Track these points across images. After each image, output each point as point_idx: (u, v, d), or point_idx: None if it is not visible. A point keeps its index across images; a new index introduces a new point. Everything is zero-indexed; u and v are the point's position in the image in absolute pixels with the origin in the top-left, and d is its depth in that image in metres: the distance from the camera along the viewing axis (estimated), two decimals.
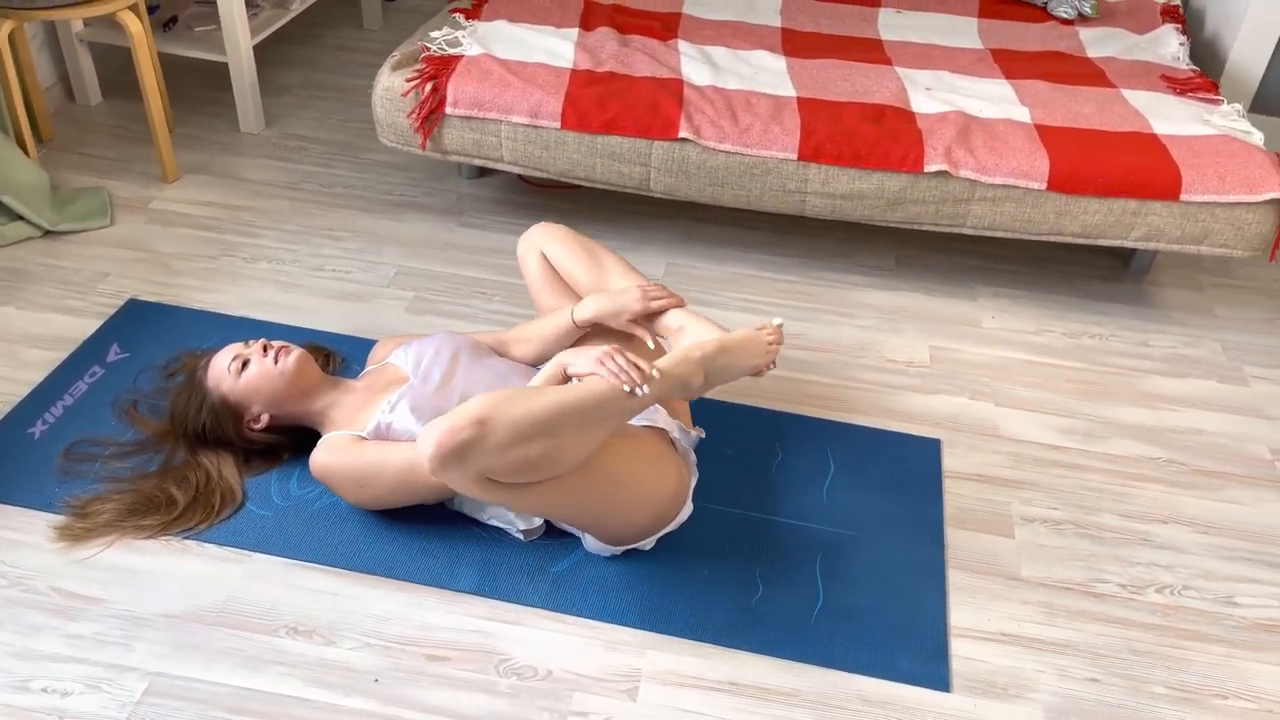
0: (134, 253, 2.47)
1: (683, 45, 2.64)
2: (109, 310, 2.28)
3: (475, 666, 1.62)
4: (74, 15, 2.45)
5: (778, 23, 2.86)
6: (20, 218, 2.47)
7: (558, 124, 2.35)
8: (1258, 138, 2.38)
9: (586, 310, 1.90)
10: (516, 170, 2.46)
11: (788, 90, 2.45)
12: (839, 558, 1.84)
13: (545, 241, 1.99)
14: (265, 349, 1.86)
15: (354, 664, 1.61)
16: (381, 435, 1.76)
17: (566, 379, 1.63)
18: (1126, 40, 2.89)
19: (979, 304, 2.53)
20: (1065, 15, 3.00)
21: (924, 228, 2.38)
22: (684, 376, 1.66)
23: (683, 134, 2.31)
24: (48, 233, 2.49)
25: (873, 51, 2.70)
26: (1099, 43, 2.87)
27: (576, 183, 2.45)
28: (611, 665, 1.64)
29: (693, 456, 1.85)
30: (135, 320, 2.25)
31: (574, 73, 2.44)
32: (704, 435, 1.97)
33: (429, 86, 2.38)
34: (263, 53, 3.46)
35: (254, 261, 2.48)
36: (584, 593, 1.75)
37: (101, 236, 2.52)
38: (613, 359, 1.58)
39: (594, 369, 1.58)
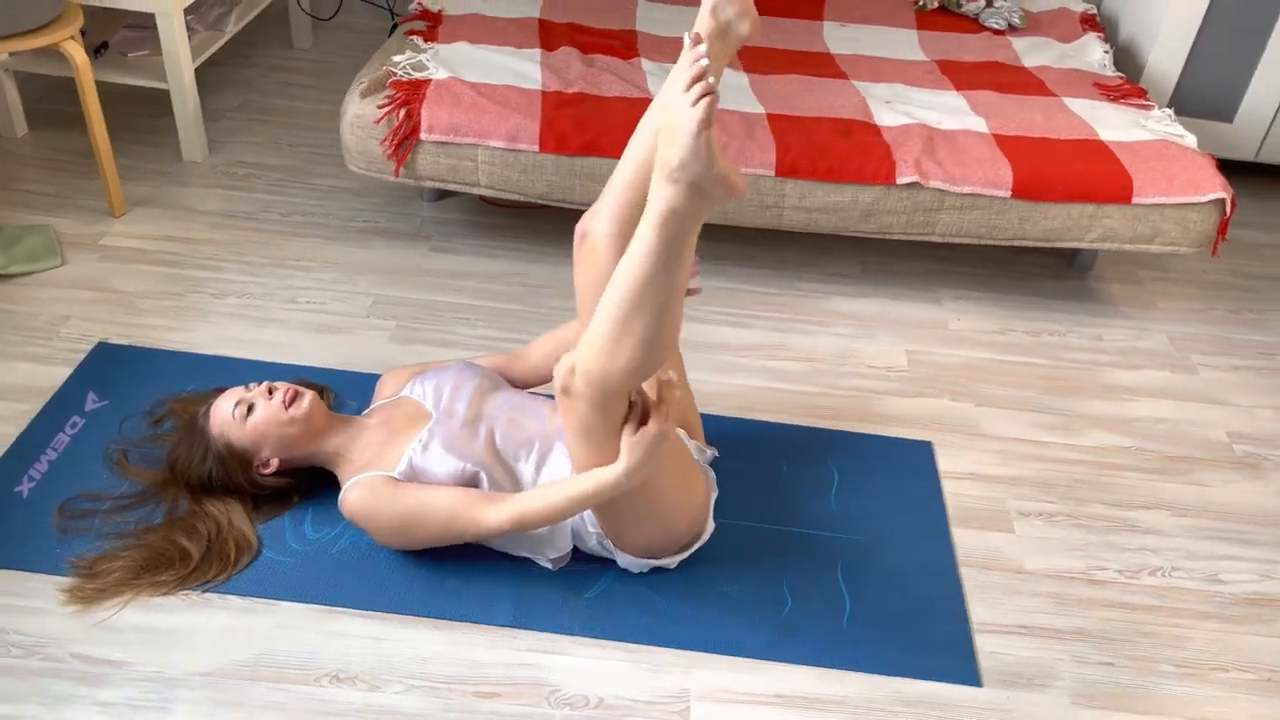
0: (94, 293, 2.36)
1: (646, 64, 2.67)
2: (77, 356, 2.18)
3: (527, 701, 1.62)
4: (19, 46, 2.33)
5: None
6: None
7: (536, 147, 2.35)
8: (1191, 140, 2.55)
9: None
10: (492, 194, 2.44)
11: (756, 107, 2.50)
12: (857, 563, 1.90)
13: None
14: (270, 392, 1.82)
15: (403, 708, 1.59)
16: (417, 475, 1.73)
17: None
18: (1055, 49, 3.05)
19: (943, 307, 2.63)
20: (997, 26, 3.14)
21: (895, 237, 2.46)
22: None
23: None
24: None
25: (827, 66, 2.78)
26: (1032, 52, 3.01)
27: (544, 203, 2.45)
28: (660, 688, 1.66)
29: (712, 474, 1.88)
30: (108, 365, 2.16)
31: (545, 94, 2.45)
32: (718, 454, 2.00)
33: (402, 113, 2.35)
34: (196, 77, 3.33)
35: (222, 297, 2.40)
36: (621, 617, 1.76)
37: (54, 277, 2.40)
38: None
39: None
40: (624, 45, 2.76)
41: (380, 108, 2.36)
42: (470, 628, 1.72)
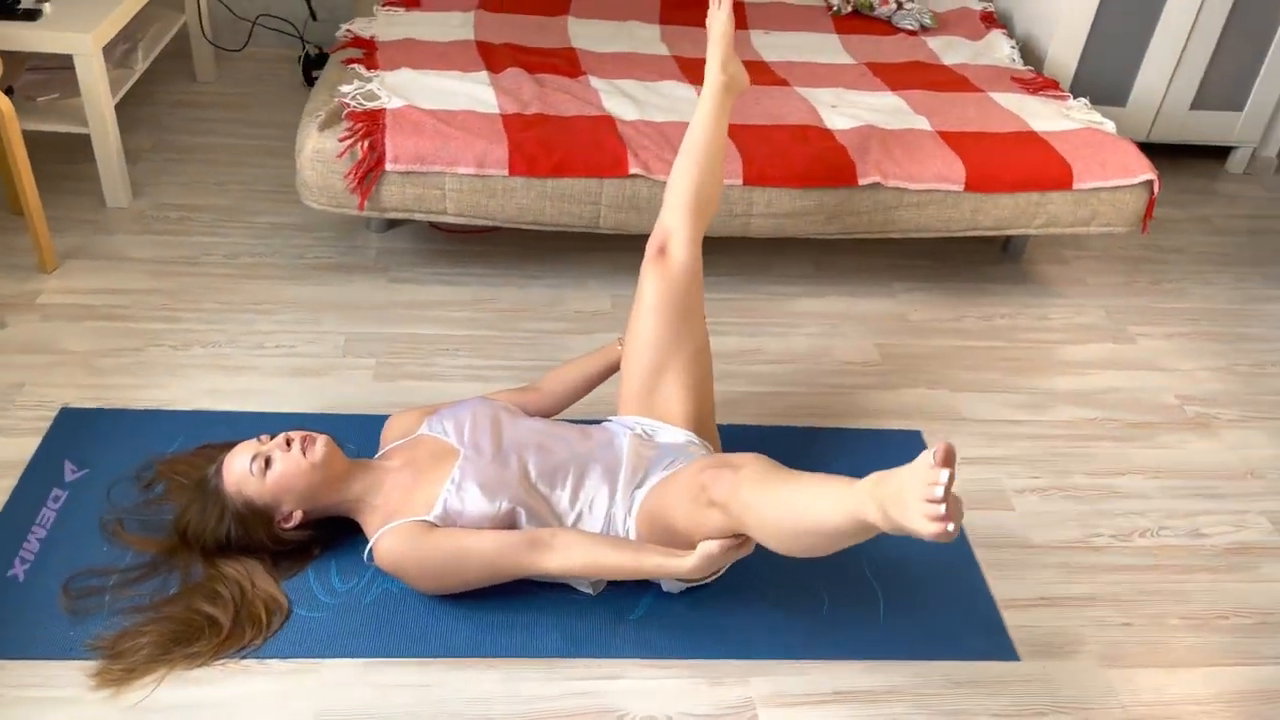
0: (45, 356, 2.21)
1: (594, 81, 2.67)
2: (41, 424, 2.04)
3: None
4: None
5: (665, 50, 2.95)
6: None
7: (506, 171, 2.33)
8: (1110, 126, 2.72)
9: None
10: (462, 221, 2.41)
11: None
12: (880, 556, 1.96)
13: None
14: (288, 443, 1.75)
15: None
16: (452, 519, 1.70)
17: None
18: (968, 47, 3.20)
19: (898, 299, 2.73)
20: (910, 27, 3.28)
21: (858, 236, 2.54)
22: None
23: (634, 170, 2.35)
24: None
25: (766, 74, 2.84)
26: (948, 50, 3.16)
27: (494, 225, 2.42)
28: (724, 700, 1.68)
29: None
30: (79, 431, 2.03)
31: (505, 118, 2.42)
32: None
33: (365, 144, 2.29)
34: None
35: (185, 348, 2.29)
36: (670, 635, 1.77)
37: None
38: None
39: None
40: (568, 64, 2.76)
41: (342, 140, 2.29)
42: (521, 662, 1.70)
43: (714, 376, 2.32)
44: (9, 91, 2.71)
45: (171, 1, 3.43)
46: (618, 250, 2.78)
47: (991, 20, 3.38)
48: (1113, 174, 2.54)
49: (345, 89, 2.46)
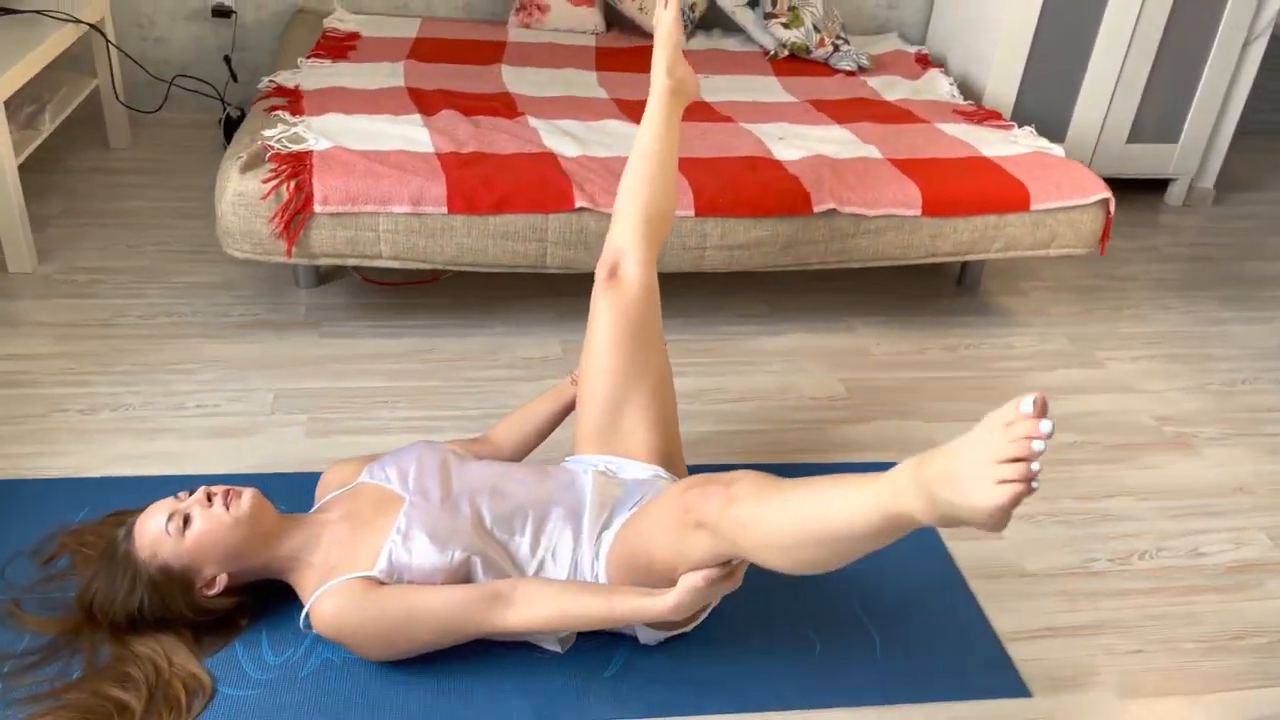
0: None
1: (533, 121, 2.57)
2: None
3: None
4: None
5: (604, 94, 2.86)
6: None
7: (444, 209, 2.19)
8: (1059, 151, 2.69)
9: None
10: (397, 265, 2.25)
11: None
12: (871, 593, 1.81)
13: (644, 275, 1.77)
14: (209, 497, 1.55)
15: None
16: (399, 573, 1.51)
17: None
18: (907, 85, 3.18)
19: (858, 334, 2.63)
20: (848, 68, 3.25)
21: (814, 266, 2.44)
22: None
23: (580, 204, 2.23)
24: None
25: (709, 113, 2.77)
26: (889, 88, 3.13)
27: (431, 274, 2.27)
28: None
29: None
30: None
31: (441, 156, 2.30)
32: None
33: (291, 185, 2.13)
34: None
35: (94, 412, 2.07)
36: (649, 691, 1.58)
37: None
38: None
39: None
40: (505, 106, 2.66)
41: (265, 182, 2.14)
42: None
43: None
44: None
45: (82, 66, 3.28)
46: (565, 294, 2.64)
47: (926, 61, 3.38)
48: (1068, 194, 2.49)
49: (269, 133, 2.31)
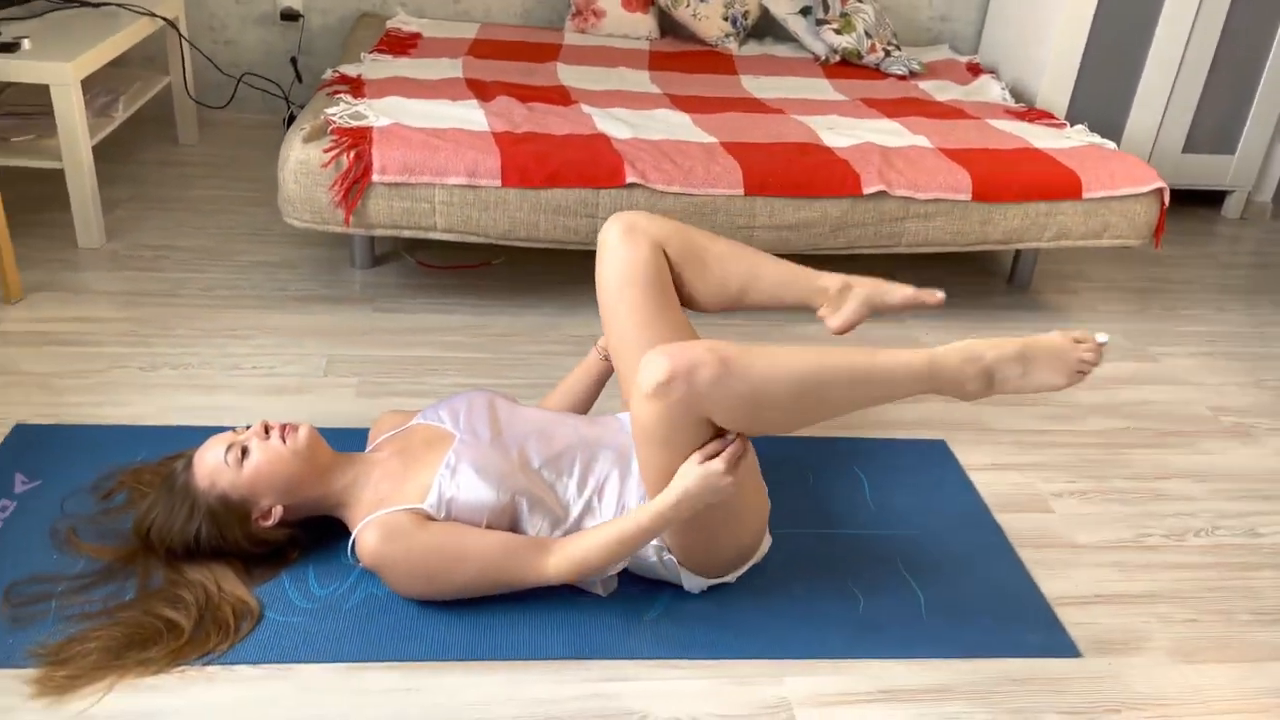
0: None
1: (586, 108, 2.62)
2: None
3: None
4: None
5: (657, 89, 2.91)
6: None
7: (498, 182, 2.23)
8: (1113, 146, 2.67)
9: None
10: (451, 238, 2.30)
11: (708, 138, 2.48)
12: (915, 556, 1.79)
13: (663, 233, 1.67)
14: (266, 430, 1.58)
15: None
16: (447, 507, 1.52)
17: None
18: (959, 89, 3.19)
19: (908, 325, 2.62)
20: (900, 72, 3.28)
21: (863, 251, 2.45)
22: (961, 374, 1.48)
23: (631, 179, 2.26)
24: None
25: (759, 106, 2.80)
26: (940, 91, 3.14)
27: (484, 258, 2.31)
28: (755, 699, 1.47)
29: (763, 482, 1.73)
30: (32, 446, 1.85)
31: (496, 134, 2.35)
32: None
33: (352, 154, 2.19)
34: None
35: (154, 370, 2.13)
36: (689, 634, 1.57)
37: None
38: None
39: None
40: (559, 95, 2.71)
41: (326, 151, 2.20)
42: (524, 664, 1.49)
43: None
44: None
45: (156, 65, 3.41)
46: None
47: (978, 69, 3.40)
48: (1121, 183, 2.47)
49: (331, 110, 2.38)
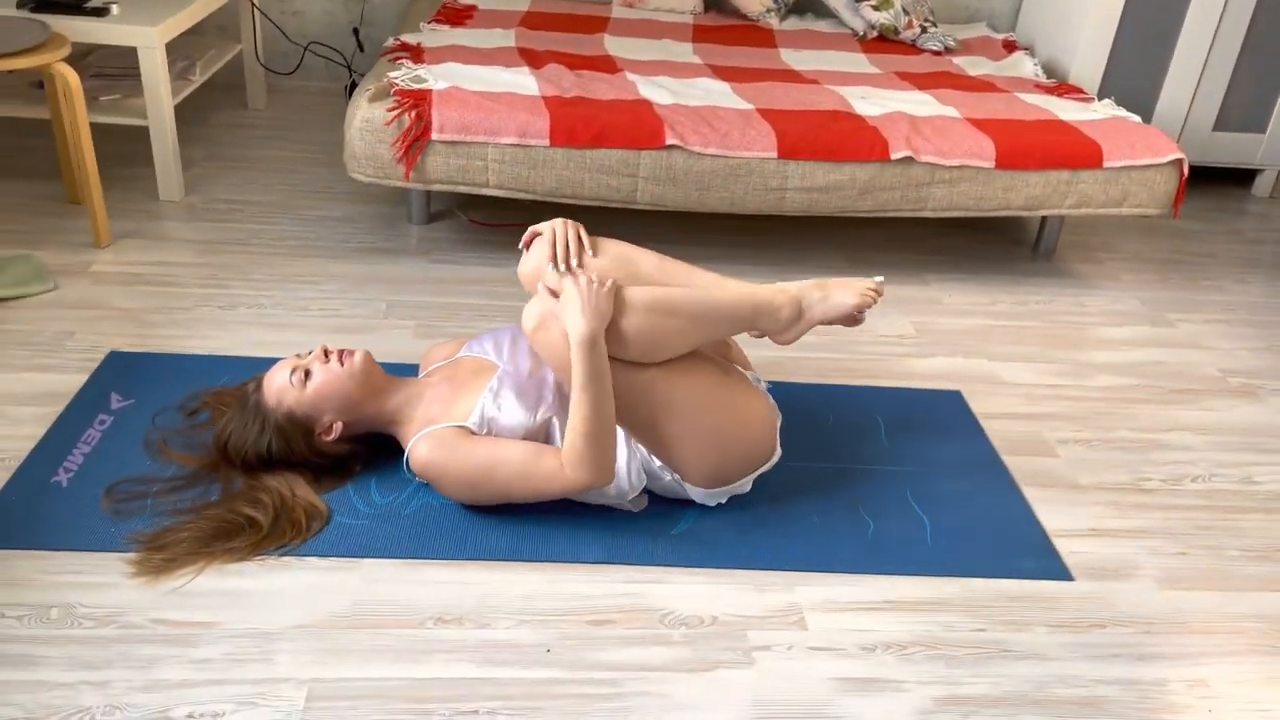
0: (94, 311, 2.26)
1: (631, 76, 2.77)
2: (89, 364, 2.07)
3: (642, 624, 1.57)
4: (10, 66, 2.27)
5: (699, 60, 3.06)
6: None
7: (547, 141, 2.40)
8: (1137, 119, 2.78)
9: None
10: (502, 194, 2.47)
11: (745, 105, 2.62)
12: (924, 490, 1.93)
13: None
14: (326, 354, 1.77)
15: (519, 640, 1.52)
16: (489, 426, 1.70)
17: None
18: (991, 64, 3.30)
19: (931, 287, 2.75)
20: (934, 48, 3.39)
21: (890, 214, 2.58)
22: (774, 305, 1.76)
23: (670, 141, 2.42)
24: None
25: (795, 77, 2.94)
26: (973, 66, 3.25)
27: (551, 200, 2.48)
28: (770, 604, 1.64)
29: (770, 398, 1.87)
30: (126, 370, 2.06)
31: (545, 98, 2.51)
32: (766, 384, 2.00)
33: (413, 114, 2.37)
34: None
35: (232, 308, 2.33)
36: (711, 547, 1.74)
37: (48, 300, 2.29)
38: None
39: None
40: (606, 64, 2.87)
41: (390, 110, 2.38)
42: (564, 567, 1.67)
43: (750, 341, 2.32)
44: None
45: (228, 32, 3.61)
46: (653, 237, 2.83)
47: (1013, 46, 3.49)
48: (1140, 153, 2.58)
49: (393, 74, 2.56)
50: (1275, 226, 3.42)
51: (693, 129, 2.45)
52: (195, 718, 1.35)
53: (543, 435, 1.72)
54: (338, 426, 1.76)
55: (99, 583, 1.55)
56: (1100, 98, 3.37)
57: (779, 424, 1.85)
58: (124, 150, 3.12)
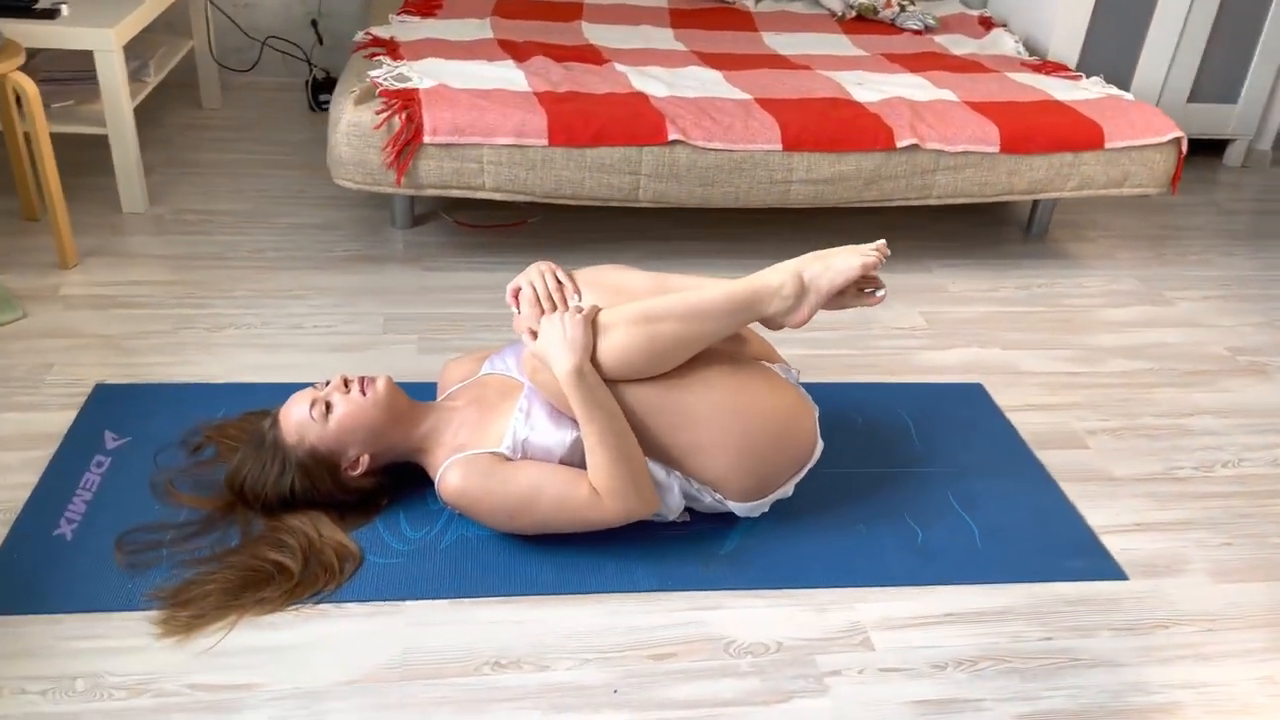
0: (69, 340, 2.11)
1: (620, 67, 2.67)
2: (74, 399, 1.93)
3: (706, 655, 1.51)
4: None
5: (683, 47, 2.97)
6: None
7: (545, 141, 2.29)
8: (1130, 97, 2.76)
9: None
10: (500, 197, 2.36)
11: (741, 94, 2.54)
12: (965, 491, 1.89)
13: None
14: (346, 384, 1.66)
15: (583, 682, 1.45)
16: (522, 448, 1.60)
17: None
18: (973, 43, 3.26)
19: (935, 275, 2.71)
20: (915, 27, 3.34)
21: (895, 203, 2.53)
22: (770, 282, 1.65)
23: (673, 136, 2.33)
24: None
25: (785, 63, 2.86)
26: (956, 45, 3.21)
27: (550, 201, 2.39)
28: (832, 624, 1.58)
29: (804, 392, 1.79)
30: (116, 404, 1.92)
31: (538, 94, 2.40)
32: (800, 374, 1.93)
33: (403, 115, 2.25)
34: None
35: (219, 330, 2.19)
36: (763, 567, 1.67)
37: (18, 330, 2.13)
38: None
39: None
40: (591, 54, 2.77)
41: (378, 113, 2.25)
42: (617, 597, 1.59)
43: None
44: (17, 103, 2.65)
45: (179, 28, 3.42)
46: (650, 237, 2.74)
47: (990, 23, 3.46)
48: (1140, 133, 2.56)
49: (375, 73, 2.43)
50: (1248, 196, 3.46)
51: (694, 123, 2.37)
52: None
53: (577, 453, 1.64)
54: (365, 460, 1.65)
55: (124, 647, 1.43)
56: (1079, 72, 3.36)
57: (816, 415, 1.76)
58: (77, 159, 2.93)
